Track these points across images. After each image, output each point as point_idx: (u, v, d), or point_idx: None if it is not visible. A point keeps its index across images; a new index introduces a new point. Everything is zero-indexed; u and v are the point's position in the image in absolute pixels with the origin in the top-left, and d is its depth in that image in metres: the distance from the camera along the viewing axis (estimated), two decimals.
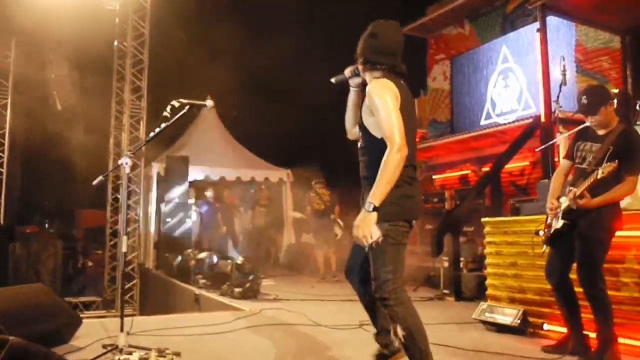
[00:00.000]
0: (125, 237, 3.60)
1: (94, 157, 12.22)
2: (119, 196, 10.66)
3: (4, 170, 9.73)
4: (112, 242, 11.10)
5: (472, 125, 11.38)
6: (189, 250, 8.94)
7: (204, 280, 7.49)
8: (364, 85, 2.92)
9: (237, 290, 6.47)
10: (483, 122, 11.31)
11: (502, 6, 11.84)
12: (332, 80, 3.04)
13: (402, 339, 2.61)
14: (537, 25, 7.77)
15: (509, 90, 10.90)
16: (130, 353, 3.36)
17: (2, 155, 9.66)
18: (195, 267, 8.02)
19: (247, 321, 5.09)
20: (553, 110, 6.34)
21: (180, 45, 13.94)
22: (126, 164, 3.52)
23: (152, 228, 11.12)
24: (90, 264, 14.73)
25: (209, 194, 11.44)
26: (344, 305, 5.95)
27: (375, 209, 2.53)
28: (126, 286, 9.43)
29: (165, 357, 3.22)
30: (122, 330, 3.47)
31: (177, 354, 3.34)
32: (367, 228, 2.54)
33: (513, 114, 10.57)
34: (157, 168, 11.21)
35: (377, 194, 2.52)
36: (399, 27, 2.89)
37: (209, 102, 3.48)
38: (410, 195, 2.70)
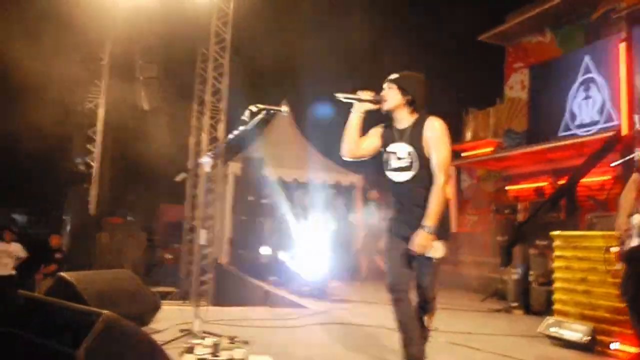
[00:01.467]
0: (204, 231, 3.87)
1: (175, 155, 12.91)
2: (197, 193, 11.23)
3: (96, 165, 10.50)
4: (189, 237, 11.69)
5: (550, 136, 11.05)
6: (262, 248, 9.27)
7: (274, 278, 7.77)
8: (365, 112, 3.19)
9: (305, 289, 6.69)
10: (561, 133, 10.95)
11: (586, 15, 11.43)
12: (340, 96, 3.14)
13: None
14: (622, 35, 7.51)
15: (590, 101, 10.50)
16: (203, 338, 3.61)
17: (94, 150, 10.44)
18: (266, 265, 8.32)
19: (313, 318, 5.27)
20: (636, 123, 6.12)
21: (260, 50, 14.42)
22: (207, 162, 3.79)
23: (227, 225, 11.57)
24: (168, 256, 15.52)
25: (282, 195, 11.75)
26: None
27: (434, 232, 2.98)
28: (201, 279, 9.90)
29: (234, 344, 3.44)
30: (197, 317, 3.74)
31: (246, 342, 3.55)
32: (429, 247, 2.99)
33: (594, 127, 10.19)
34: (233, 168, 11.66)
35: (433, 217, 2.98)
36: None
37: (284, 108, 3.69)
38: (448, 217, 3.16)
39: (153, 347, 2.43)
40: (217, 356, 3.24)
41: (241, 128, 3.62)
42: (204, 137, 11.19)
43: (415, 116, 3.16)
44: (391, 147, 3.23)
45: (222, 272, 10.77)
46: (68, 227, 11.30)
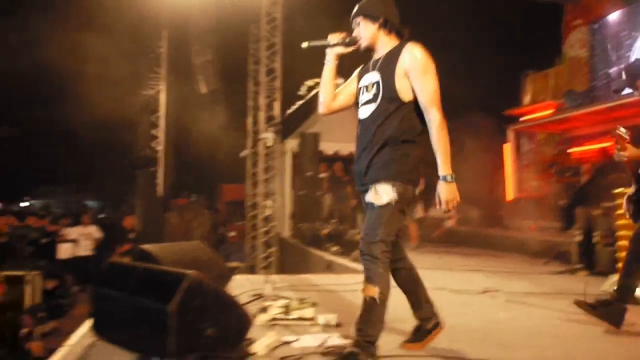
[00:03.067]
0: (270, 202, 4.10)
1: (234, 136, 13.31)
2: (257, 170, 11.59)
3: (162, 149, 11.02)
4: (252, 213, 12.10)
5: (612, 94, 10.65)
6: (322, 221, 9.55)
7: (335, 248, 8.01)
8: (341, 57, 2.88)
9: None
10: (626, 91, 10.53)
11: None
12: (306, 45, 2.86)
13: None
14: None
15: None
16: (275, 300, 3.87)
17: (158, 136, 10.96)
18: (327, 236, 8.58)
19: None
20: None
21: (310, 26, 14.50)
22: (269, 137, 3.99)
23: (287, 201, 11.88)
24: (232, 234, 16.10)
25: (337, 168, 11.96)
26: (469, 275, 6.14)
27: (453, 177, 2.64)
28: (266, 251, 10.29)
29: (304, 304, 3.67)
30: (267, 282, 4.00)
31: (314, 304, 3.78)
32: (457, 198, 2.65)
33: None
34: (291, 144, 11.92)
35: (447, 163, 2.63)
36: None
37: (340, 81, 3.80)
38: (421, 160, 2.76)
39: (232, 301, 2.69)
40: (288, 315, 3.49)
41: (299, 103, 3.79)
42: (261, 116, 11.47)
43: (395, 43, 2.80)
44: (362, 81, 2.87)
45: (286, 245, 11.14)
46: (138, 209, 11.94)
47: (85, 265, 11.36)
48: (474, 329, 3.52)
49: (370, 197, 2.68)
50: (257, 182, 11.74)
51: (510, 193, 12.34)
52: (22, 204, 35.22)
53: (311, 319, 3.46)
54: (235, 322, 2.64)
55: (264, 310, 3.56)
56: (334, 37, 2.85)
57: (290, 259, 10.74)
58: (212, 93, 12.38)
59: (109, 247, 11.40)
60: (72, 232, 11.54)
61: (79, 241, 11.36)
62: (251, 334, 2.76)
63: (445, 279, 5.78)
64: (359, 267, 6.83)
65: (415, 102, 2.70)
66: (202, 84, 11.94)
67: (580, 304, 3.66)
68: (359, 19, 2.81)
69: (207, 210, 13.17)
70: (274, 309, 3.56)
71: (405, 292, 2.99)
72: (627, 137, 3.68)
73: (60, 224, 12.12)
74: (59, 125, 22.85)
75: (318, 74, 3.05)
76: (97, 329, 2.92)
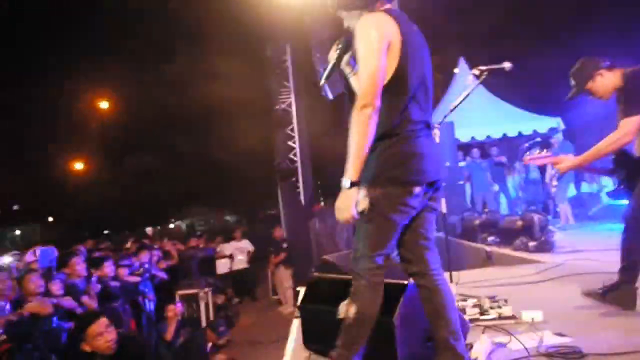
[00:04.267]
0: (443, 200, 4.02)
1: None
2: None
3: (298, 159, 11.36)
4: None
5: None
6: (468, 211, 9.24)
7: (492, 238, 7.71)
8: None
9: (531, 244, 6.54)
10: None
11: None
12: (322, 82, 2.59)
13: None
14: None
15: None
16: (464, 299, 3.78)
17: (295, 145, 11.30)
18: (479, 226, 8.28)
19: (552, 272, 5.14)
20: None
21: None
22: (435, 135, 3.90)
23: None
24: None
25: (475, 153, 11.57)
26: None
27: (353, 183, 2.18)
28: None
29: (497, 302, 3.54)
30: (451, 281, 3.92)
31: (505, 300, 3.63)
32: (349, 208, 2.18)
33: None
34: None
35: (350, 165, 2.17)
36: None
37: (507, 64, 3.62)
38: (412, 152, 2.26)
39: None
40: (486, 315, 3.37)
41: (464, 93, 3.68)
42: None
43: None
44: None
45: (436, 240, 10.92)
46: (284, 219, 12.41)
47: (243, 278, 12.06)
48: None
49: None
50: None
51: None
52: (170, 226, 38.39)
53: (513, 317, 3.32)
54: None
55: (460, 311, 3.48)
56: (332, 55, 2.48)
57: (442, 254, 10.51)
58: (339, 98, 12.52)
59: (262, 259, 12.00)
60: (227, 247, 12.31)
61: (234, 256, 12.08)
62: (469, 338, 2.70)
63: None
64: (525, 255, 6.53)
65: (386, 86, 2.24)
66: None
67: (590, 294, 3.64)
68: (334, 12, 2.50)
69: None
70: (468, 310, 3.47)
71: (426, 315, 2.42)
72: (544, 153, 3.73)
73: (215, 241, 12.98)
74: (197, 148, 24.62)
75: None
76: (309, 342, 3.03)
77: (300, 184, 11.48)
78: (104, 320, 3.93)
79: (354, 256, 2.31)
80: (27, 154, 25.30)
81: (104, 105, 23.48)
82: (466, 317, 3.34)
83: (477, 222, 8.49)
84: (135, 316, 6.65)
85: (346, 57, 2.40)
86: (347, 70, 2.41)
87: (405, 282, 2.46)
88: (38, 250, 7.15)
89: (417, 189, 2.27)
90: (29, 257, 7.26)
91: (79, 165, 27.73)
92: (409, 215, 2.31)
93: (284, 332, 4.37)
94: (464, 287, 4.45)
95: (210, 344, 7.30)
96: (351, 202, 2.18)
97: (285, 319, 8.25)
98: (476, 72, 3.57)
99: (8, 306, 5.22)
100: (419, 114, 2.31)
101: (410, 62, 2.26)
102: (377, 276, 2.28)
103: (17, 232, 33.43)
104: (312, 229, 12.25)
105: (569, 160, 3.62)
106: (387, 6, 2.36)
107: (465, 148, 11.96)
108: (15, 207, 31.48)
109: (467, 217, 9.04)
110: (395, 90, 2.25)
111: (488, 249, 7.54)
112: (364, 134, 2.15)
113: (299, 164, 11.32)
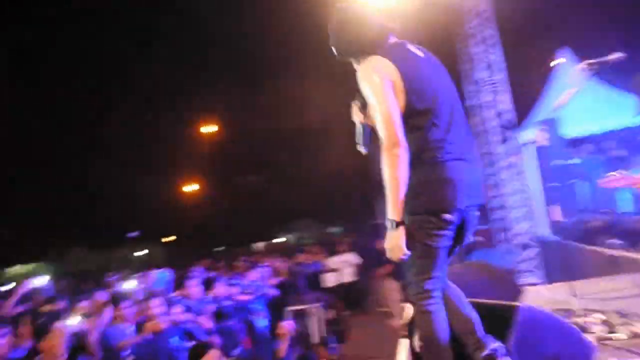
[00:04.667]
0: (556, 206, 3.77)
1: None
2: (494, 170, 10.98)
3: None
4: (499, 215, 11.47)
5: None
6: (583, 212, 8.63)
7: (615, 240, 7.12)
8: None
9: None
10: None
11: None
12: (362, 150, 2.68)
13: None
14: None
15: None
16: (586, 315, 3.50)
17: None
18: (600, 228, 7.69)
19: None
20: None
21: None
22: (539, 134, 3.67)
23: (538, 195, 11.06)
24: (478, 239, 15.58)
25: (589, 149, 10.79)
26: None
27: (398, 224, 2.31)
28: (528, 254, 9.63)
29: (627, 318, 3.24)
30: (572, 294, 3.64)
31: (639, 316, 3.31)
32: (399, 248, 2.32)
33: None
34: (529, 134, 11.13)
35: (390, 205, 2.31)
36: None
37: (617, 54, 3.32)
38: (436, 179, 2.33)
39: (569, 328, 2.45)
40: (616, 333, 3.09)
41: (571, 90, 3.44)
42: (490, 114, 10.87)
43: None
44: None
45: (547, 245, 10.32)
46: (384, 231, 12.28)
47: (352, 291, 12.07)
48: None
49: None
50: (496, 183, 11.13)
51: None
52: (277, 240, 39.53)
53: None
54: (578, 350, 2.39)
55: (582, 330, 3.21)
56: (356, 115, 2.70)
57: (554, 259, 9.90)
58: None
59: (368, 270, 11.94)
60: (333, 261, 12.39)
61: (340, 269, 12.14)
62: None
63: None
64: None
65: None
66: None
67: None
68: (337, 57, 2.67)
69: None
70: (594, 328, 3.20)
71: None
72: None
73: (321, 255, 13.12)
74: (299, 166, 25.30)
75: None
76: None
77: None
78: (215, 352, 4.09)
79: (406, 284, 2.50)
80: (147, 178, 26.89)
81: (213, 129, 24.98)
82: (590, 337, 3.09)
83: (596, 223, 7.90)
84: (249, 334, 6.86)
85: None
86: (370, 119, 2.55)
87: (516, 303, 2.31)
88: (154, 274, 7.65)
89: (447, 216, 2.35)
90: (147, 281, 7.77)
91: (193, 187, 29.48)
92: (449, 237, 2.40)
93: (395, 347, 4.30)
94: (587, 299, 4.12)
95: None
96: (400, 241, 2.35)
97: (396, 333, 8.11)
98: (584, 66, 3.31)
99: (133, 329, 5.63)
100: (441, 137, 2.41)
101: (417, 94, 2.39)
102: (427, 300, 2.36)
103: (141, 253, 35.89)
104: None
105: None
106: (390, 41, 2.50)
107: (577, 144, 11.16)
108: (137, 232, 33.77)
109: (584, 219, 8.44)
110: (410, 123, 2.40)
111: (612, 253, 6.96)
112: (397, 173, 2.33)
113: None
